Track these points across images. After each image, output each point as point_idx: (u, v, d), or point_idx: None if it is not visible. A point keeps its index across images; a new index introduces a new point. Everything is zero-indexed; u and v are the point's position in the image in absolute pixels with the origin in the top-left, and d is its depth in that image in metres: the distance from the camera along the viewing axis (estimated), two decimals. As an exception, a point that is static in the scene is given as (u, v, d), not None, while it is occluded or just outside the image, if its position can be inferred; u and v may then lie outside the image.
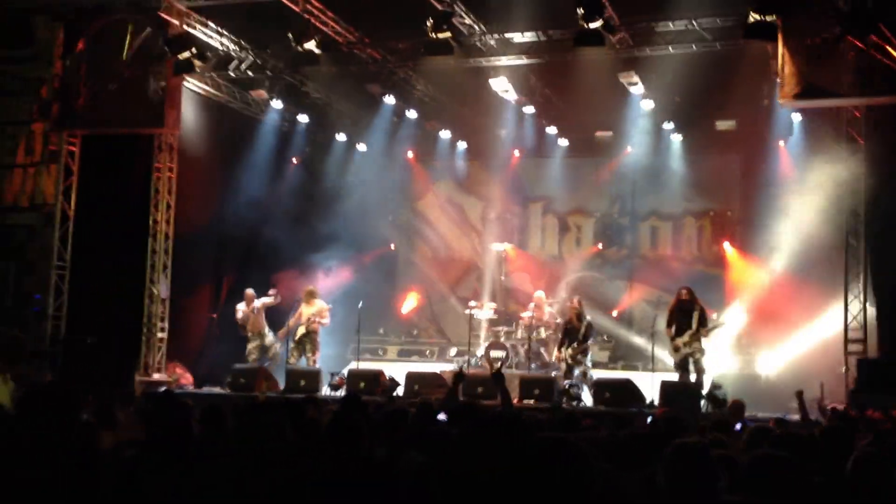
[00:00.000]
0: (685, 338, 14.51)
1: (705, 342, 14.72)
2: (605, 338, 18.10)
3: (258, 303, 16.72)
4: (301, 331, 16.33)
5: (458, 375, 9.13)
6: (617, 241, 19.98)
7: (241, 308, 16.76)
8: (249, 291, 16.82)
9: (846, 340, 14.04)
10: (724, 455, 5.20)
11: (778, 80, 13.64)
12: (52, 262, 16.35)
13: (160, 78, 15.91)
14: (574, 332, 15.51)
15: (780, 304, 16.41)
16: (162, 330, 16.59)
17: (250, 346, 16.66)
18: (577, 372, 16.14)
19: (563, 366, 15.50)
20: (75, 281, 16.47)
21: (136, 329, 16.35)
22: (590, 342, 15.59)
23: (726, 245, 18.62)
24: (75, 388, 4.22)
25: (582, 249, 20.46)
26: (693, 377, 14.48)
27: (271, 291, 16.87)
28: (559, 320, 16.50)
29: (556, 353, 15.85)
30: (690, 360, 14.53)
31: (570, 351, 15.41)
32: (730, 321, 16.09)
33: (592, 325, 15.79)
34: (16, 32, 16.00)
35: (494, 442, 4.44)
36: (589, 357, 15.65)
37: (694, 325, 14.52)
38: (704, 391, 13.91)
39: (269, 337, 16.77)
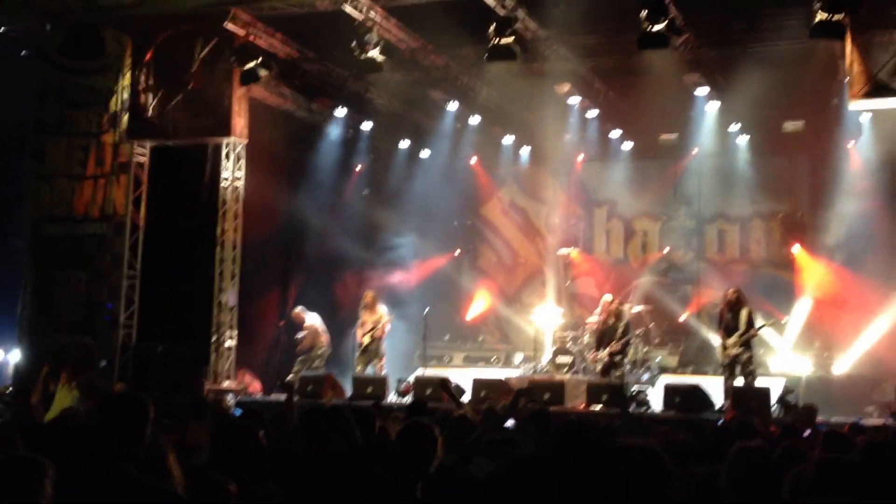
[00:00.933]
0: (733, 338, 14.24)
1: (754, 343, 14.46)
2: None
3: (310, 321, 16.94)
4: (366, 340, 16.34)
5: (519, 392, 9.13)
6: (683, 245, 19.70)
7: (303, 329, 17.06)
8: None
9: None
10: (793, 460, 5.09)
11: (847, 79, 13.38)
12: (122, 271, 16.64)
13: (227, 87, 16.12)
14: (612, 332, 15.39)
15: (853, 306, 16.11)
16: (231, 338, 16.77)
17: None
18: (645, 376, 16.04)
19: (600, 367, 15.33)
20: (146, 289, 16.75)
21: (205, 337, 16.54)
22: (629, 341, 15.45)
23: (796, 247, 18.27)
24: (146, 398, 4.26)
25: (648, 253, 20.26)
26: (740, 381, 14.19)
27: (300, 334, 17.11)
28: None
29: (591, 354, 15.76)
30: (738, 362, 14.26)
31: (607, 350, 15.30)
32: (787, 321, 15.81)
33: (631, 325, 15.65)
34: (86, 45, 16.32)
35: (565, 448, 4.40)
36: (627, 357, 15.52)
37: (742, 327, 14.28)
38: (775, 395, 13.66)
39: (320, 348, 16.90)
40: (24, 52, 16.90)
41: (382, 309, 16.52)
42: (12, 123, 18.24)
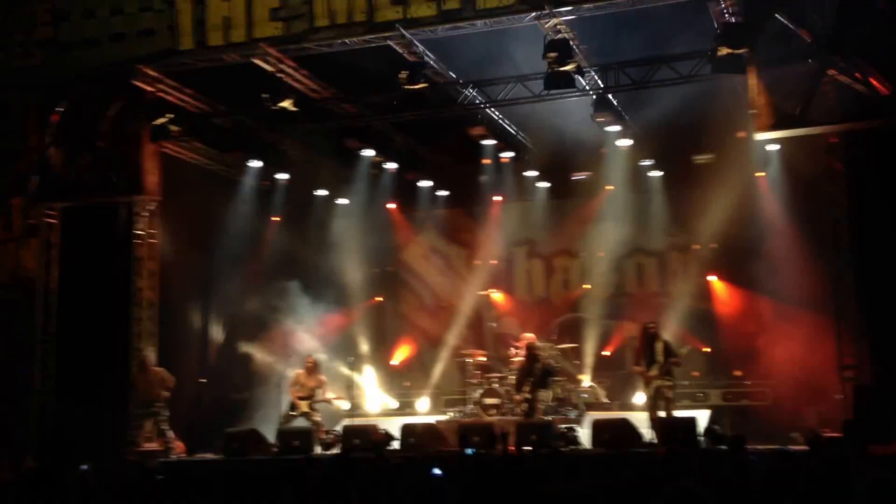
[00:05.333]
0: (654, 371, 14.58)
1: (676, 373, 14.88)
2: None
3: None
4: (303, 405, 16.00)
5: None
6: (603, 281, 19.84)
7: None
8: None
9: (840, 368, 13.97)
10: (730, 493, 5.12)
11: (752, 111, 13.71)
12: (35, 336, 16.16)
13: (136, 145, 15.88)
14: (530, 372, 15.59)
15: (771, 334, 16.41)
16: (151, 398, 16.34)
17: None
18: (573, 414, 16.11)
19: (525, 406, 15.47)
20: (62, 354, 16.27)
21: (125, 399, 16.10)
22: (548, 380, 15.66)
23: (713, 279, 18.59)
24: (61, 474, 4.11)
25: (569, 290, 20.39)
26: (662, 413, 14.47)
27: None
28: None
29: (514, 395, 15.91)
30: (660, 394, 14.60)
31: (527, 390, 15.46)
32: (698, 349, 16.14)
33: (548, 364, 15.87)
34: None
35: (497, 496, 4.36)
36: (548, 395, 15.69)
37: (661, 358, 14.58)
38: (701, 427, 13.78)
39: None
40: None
41: (322, 377, 16.32)
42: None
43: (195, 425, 17.28)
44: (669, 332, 15.99)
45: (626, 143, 17.48)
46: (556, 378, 16.31)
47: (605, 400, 17.50)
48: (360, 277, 20.51)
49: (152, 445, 15.79)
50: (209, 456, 15.61)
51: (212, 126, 17.33)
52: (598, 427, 14.35)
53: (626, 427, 14.11)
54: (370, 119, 17.29)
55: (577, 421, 15.73)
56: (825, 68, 13.04)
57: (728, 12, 13.70)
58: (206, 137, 17.61)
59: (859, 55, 12.89)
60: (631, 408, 16.49)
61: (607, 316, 19.42)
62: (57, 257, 16.49)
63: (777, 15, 13.28)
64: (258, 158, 18.22)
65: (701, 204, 18.06)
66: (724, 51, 13.60)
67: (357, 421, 16.59)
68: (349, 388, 17.08)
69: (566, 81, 14.21)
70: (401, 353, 20.74)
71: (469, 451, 8.32)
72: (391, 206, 20.90)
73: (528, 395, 15.49)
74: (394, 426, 15.49)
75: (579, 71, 14.36)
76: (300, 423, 15.94)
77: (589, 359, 18.42)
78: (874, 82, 12.79)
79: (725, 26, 13.74)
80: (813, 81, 13.14)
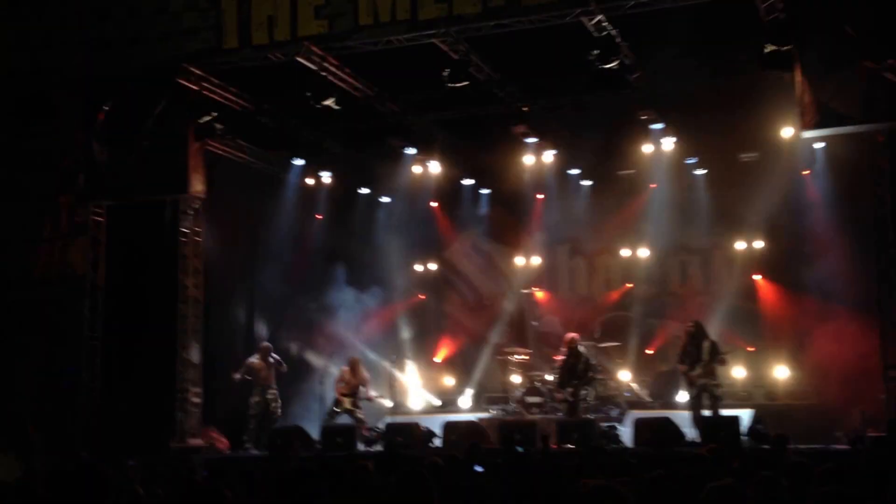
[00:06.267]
0: (698, 370, 14.52)
1: (720, 372, 14.78)
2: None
3: (274, 357, 16.78)
4: (346, 401, 16.37)
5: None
6: (646, 279, 19.70)
7: (253, 360, 16.79)
8: (267, 344, 16.95)
9: (885, 367, 13.77)
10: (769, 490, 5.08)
11: (798, 109, 13.54)
12: (83, 333, 16.37)
13: (182, 143, 16.02)
14: (573, 371, 15.54)
15: (817, 335, 16.20)
16: (196, 395, 16.53)
17: (254, 399, 16.63)
18: (615, 412, 16.06)
19: (567, 405, 15.46)
20: (108, 350, 16.48)
21: (170, 395, 16.29)
22: (591, 378, 15.61)
23: (757, 278, 18.39)
24: (106, 469, 4.16)
25: (611, 289, 20.26)
26: (708, 412, 14.38)
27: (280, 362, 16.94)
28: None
29: (556, 394, 15.86)
30: (705, 393, 14.51)
31: (570, 389, 15.42)
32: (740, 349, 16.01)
33: (591, 363, 15.81)
34: (37, 107, 16.20)
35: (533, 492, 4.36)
36: (591, 395, 15.61)
37: (705, 357, 14.50)
38: (744, 426, 13.65)
39: (273, 392, 16.74)
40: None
41: (365, 373, 16.67)
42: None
43: (239, 422, 17.45)
44: (714, 330, 15.83)
45: (670, 140, 17.36)
46: (598, 376, 16.25)
47: (648, 399, 17.38)
48: (403, 275, 20.59)
49: (195, 441, 15.98)
50: (254, 452, 15.75)
51: (256, 124, 17.47)
52: (640, 425, 14.27)
53: (669, 426, 14.02)
54: (413, 117, 17.33)
55: (619, 419, 15.65)
56: (874, 66, 12.84)
57: (775, 9, 13.56)
58: (250, 135, 17.78)
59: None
60: (673, 406, 16.34)
61: (651, 314, 19.29)
62: (104, 255, 16.67)
63: (824, 11, 13.12)
64: (302, 156, 18.34)
65: (745, 202, 17.88)
66: (770, 47, 13.46)
67: (399, 418, 16.64)
68: (391, 385, 17.15)
69: (611, 79, 14.14)
70: (443, 351, 20.74)
71: (519, 448, 8.39)
72: (434, 204, 20.91)
73: (570, 394, 15.46)
74: (436, 424, 15.51)
75: (624, 68, 14.27)
76: (343, 419, 16.09)
77: (632, 357, 18.31)
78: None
79: (772, 23, 13.59)
80: (862, 79, 12.94)
